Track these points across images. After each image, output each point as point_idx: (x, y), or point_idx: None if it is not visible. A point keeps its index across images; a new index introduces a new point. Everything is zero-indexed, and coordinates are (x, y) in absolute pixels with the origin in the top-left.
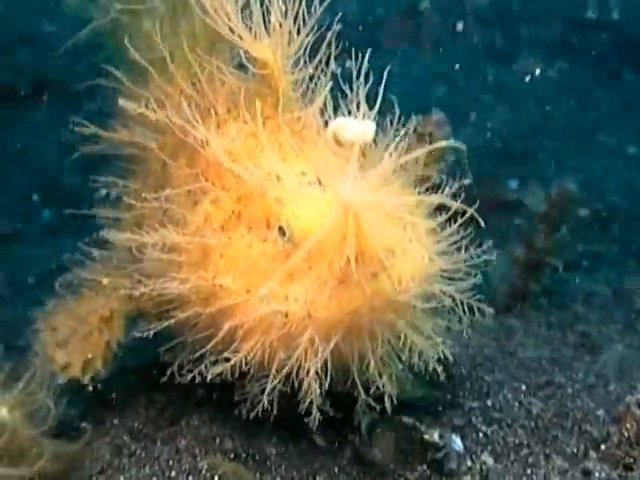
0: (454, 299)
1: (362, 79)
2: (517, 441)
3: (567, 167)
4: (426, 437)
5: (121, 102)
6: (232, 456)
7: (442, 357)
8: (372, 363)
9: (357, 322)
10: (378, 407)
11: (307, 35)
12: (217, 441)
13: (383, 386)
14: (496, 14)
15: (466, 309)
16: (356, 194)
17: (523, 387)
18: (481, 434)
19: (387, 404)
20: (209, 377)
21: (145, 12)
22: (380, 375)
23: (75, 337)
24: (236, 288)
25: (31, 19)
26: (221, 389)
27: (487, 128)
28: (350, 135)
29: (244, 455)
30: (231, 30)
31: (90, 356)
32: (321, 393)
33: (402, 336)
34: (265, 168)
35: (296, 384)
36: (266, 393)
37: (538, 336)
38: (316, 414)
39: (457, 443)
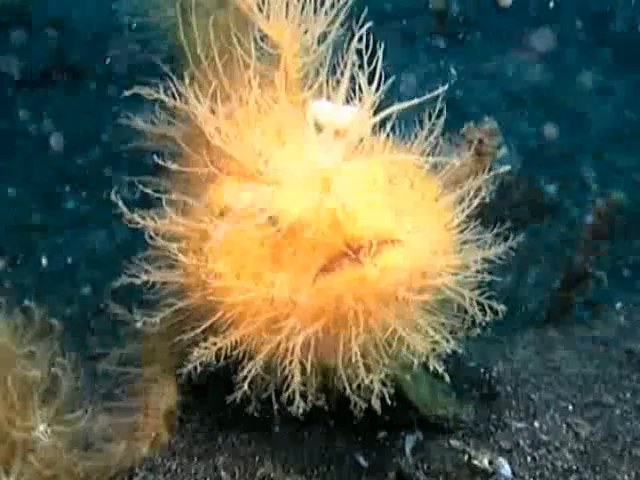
0: (462, 295)
1: (365, 65)
2: (566, 466)
3: (610, 172)
4: (475, 462)
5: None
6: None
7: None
8: (358, 355)
9: (342, 312)
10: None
11: (325, 20)
12: (256, 459)
13: (371, 382)
14: (536, 13)
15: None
16: (325, 160)
17: (570, 407)
18: (529, 458)
19: (375, 405)
20: (192, 363)
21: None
22: (368, 371)
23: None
24: (226, 273)
25: (65, 2)
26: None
27: (525, 129)
28: (324, 119)
29: (284, 474)
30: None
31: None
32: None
33: (391, 330)
34: (262, 152)
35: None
36: (248, 380)
37: (582, 351)
38: (299, 403)
39: (505, 468)
